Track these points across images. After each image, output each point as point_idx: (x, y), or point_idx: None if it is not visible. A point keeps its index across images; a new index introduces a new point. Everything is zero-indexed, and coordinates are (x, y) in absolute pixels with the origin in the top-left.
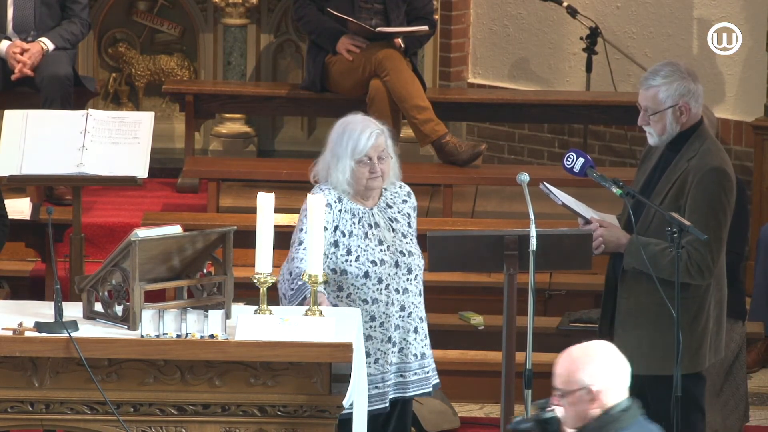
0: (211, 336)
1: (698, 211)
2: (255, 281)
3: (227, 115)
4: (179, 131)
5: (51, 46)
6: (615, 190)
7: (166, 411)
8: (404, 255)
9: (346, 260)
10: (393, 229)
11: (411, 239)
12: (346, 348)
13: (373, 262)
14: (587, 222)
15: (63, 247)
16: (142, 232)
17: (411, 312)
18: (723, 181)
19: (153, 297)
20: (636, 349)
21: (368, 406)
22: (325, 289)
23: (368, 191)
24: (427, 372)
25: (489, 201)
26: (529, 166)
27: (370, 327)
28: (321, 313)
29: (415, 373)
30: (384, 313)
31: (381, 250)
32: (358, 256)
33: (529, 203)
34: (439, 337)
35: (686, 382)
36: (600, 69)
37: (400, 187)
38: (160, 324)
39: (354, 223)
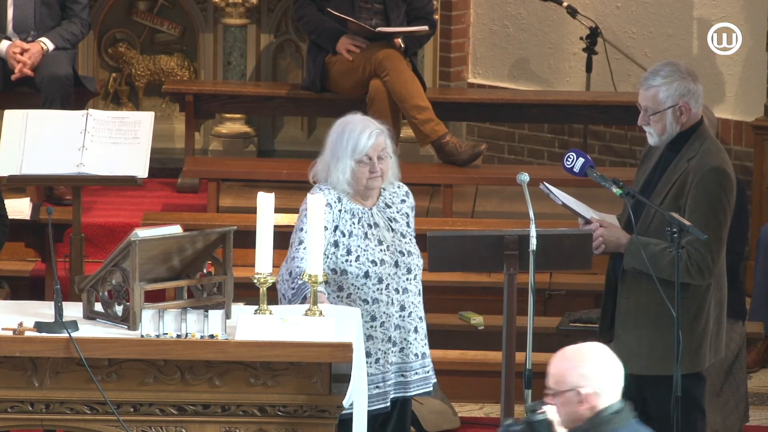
0: (211, 336)
1: (698, 211)
2: (255, 281)
3: (227, 115)
4: (179, 131)
5: (51, 46)
6: (615, 190)
7: (166, 411)
8: (404, 255)
9: (346, 260)
10: (392, 229)
11: (410, 239)
12: (346, 348)
13: (373, 262)
14: (587, 222)
15: (63, 247)
16: (142, 232)
17: (411, 312)
18: (723, 181)
19: (153, 297)
20: (636, 349)
21: (370, 406)
22: (325, 289)
23: (368, 191)
24: (428, 371)
25: (489, 201)
26: (529, 166)
27: (371, 327)
28: (321, 313)
29: (416, 373)
30: (384, 312)
31: (381, 250)
32: (358, 256)
33: (529, 203)
34: (439, 337)
35: (686, 382)
36: (600, 69)
37: (399, 187)
38: (160, 324)
39: (354, 223)
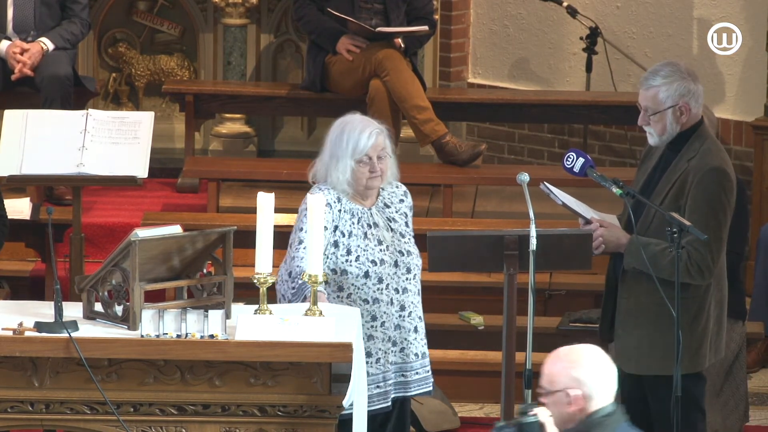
0: (211, 336)
1: (698, 211)
2: (255, 281)
3: (227, 115)
4: (179, 131)
5: (51, 46)
6: (615, 190)
7: (166, 411)
8: (403, 254)
9: (346, 260)
10: (391, 229)
11: (409, 239)
12: (346, 348)
13: (373, 262)
14: (587, 222)
15: (63, 247)
16: (142, 232)
17: (411, 311)
18: (723, 181)
19: (153, 297)
20: (636, 350)
21: (371, 406)
22: (325, 289)
23: (368, 191)
24: (427, 371)
25: (489, 201)
26: (529, 166)
27: (372, 327)
28: (321, 313)
29: (417, 373)
30: (384, 312)
31: (380, 250)
32: (358, 256)
33: (529, 203)
34: (439, 337)
35: (686, 382)
36: (600, 69)
37: (397, 187)
38: (160, 324)
39: (353, 223)
